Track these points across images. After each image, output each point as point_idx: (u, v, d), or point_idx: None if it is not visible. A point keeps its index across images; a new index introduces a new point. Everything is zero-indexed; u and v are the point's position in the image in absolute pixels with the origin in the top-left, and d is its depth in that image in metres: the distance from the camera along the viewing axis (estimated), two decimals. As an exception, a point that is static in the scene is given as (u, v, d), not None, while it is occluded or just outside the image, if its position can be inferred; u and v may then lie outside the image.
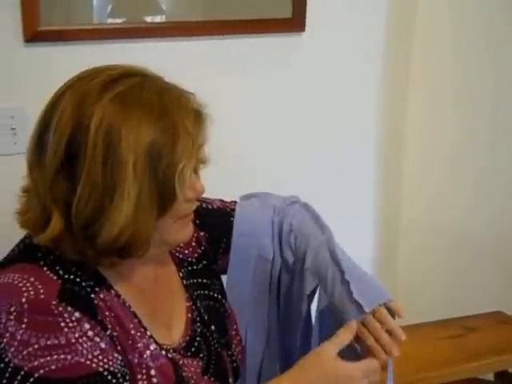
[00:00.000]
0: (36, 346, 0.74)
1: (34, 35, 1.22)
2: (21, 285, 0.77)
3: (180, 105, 0.81)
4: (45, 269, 0.80)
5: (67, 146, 0.76)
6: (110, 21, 1.29)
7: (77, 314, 0.77)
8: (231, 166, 1.49)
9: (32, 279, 0.78)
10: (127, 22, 1.31)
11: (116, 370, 0.78)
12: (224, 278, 1.10)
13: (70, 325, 0.76)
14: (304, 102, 1.52)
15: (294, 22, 1.43)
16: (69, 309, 0.77)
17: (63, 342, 0.75)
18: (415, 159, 1.71)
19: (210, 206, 1.09)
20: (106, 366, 0.77)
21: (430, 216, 1.78)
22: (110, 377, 0.77)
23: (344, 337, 0.90)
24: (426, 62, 1.58)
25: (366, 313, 0.90)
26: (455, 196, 1.70)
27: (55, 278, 0.79)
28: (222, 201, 1.12)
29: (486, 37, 1.59)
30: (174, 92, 0.82)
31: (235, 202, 1.13)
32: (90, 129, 0.75)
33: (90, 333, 0.77)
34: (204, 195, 1.06)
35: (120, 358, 0.80)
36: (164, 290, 0.95)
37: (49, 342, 0.74)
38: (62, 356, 0.74)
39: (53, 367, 0.73)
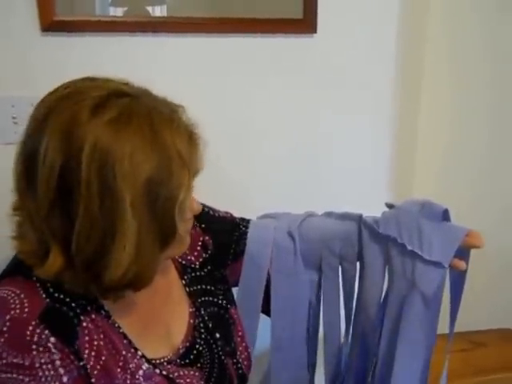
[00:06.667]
0: (4, 361, 0.74)
1: (50, 25, 1.22)
2: (11, 301, 0.77)
3: (172, 126, 0.77)
4: (37, 284, 0.79)
5: (59, 179, 0.73)
6: (111, 9, 1.29)
7: (52, 339, 0.76)
8: (241, 166, 1.48)
9: (22, 295, 0.77)
10: (132, 15, 1.30)
11: None
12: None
13: (41, 349, 0.75)
14: (315, 103, 1.50)
15: (306, 23, 1.40)
16: (46, 332, 0.75)
17: (27, 363, 0.74)
18: (426, 164, 1.67)
19: (216, 214, 1.09)
20: None
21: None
22: None
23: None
24: (440, 62, 1.54)
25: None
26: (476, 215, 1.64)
27: (44, 295, 0.78)
28: (227, 213, 1.12)
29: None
30: (164, 110, 0.79)
31: (242, 218, 1.12)
32: (81, 162, 0.71)
33: (58, 362, 0.76)
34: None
35: None
36: (163, 299, 0.94)
37: (15, 360, 0.74)
38: (21, 377, 0.74)
39: None
